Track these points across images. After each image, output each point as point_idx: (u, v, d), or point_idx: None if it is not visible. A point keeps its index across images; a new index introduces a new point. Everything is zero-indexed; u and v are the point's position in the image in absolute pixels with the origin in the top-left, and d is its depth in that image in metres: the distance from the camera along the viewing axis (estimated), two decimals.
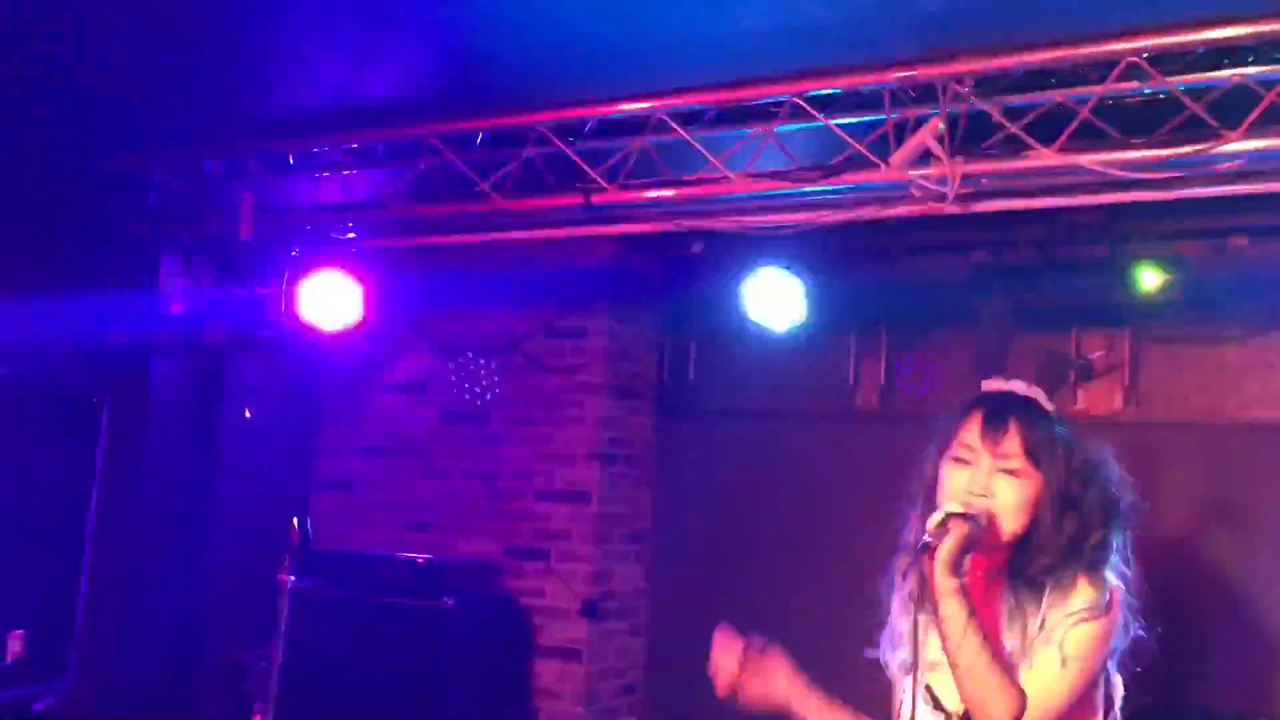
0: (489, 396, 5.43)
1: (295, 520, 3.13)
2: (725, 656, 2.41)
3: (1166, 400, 4.75)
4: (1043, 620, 2.20)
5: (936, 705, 2.27)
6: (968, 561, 2.19)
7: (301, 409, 5.77)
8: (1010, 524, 2.22)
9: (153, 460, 4.77)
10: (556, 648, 5.32)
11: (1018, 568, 2.26)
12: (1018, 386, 2.34)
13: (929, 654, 2.29)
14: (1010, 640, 2.22)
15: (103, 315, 4.37)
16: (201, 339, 4.41)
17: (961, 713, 2.25)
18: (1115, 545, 2.27)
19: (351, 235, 4.45)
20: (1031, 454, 2.22)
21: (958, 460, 2.25)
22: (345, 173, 4.25)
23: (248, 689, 3.76)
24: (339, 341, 5.01)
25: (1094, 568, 2.23)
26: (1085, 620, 2.18)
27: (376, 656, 4.94)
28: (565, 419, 5.47)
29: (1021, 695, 2.13)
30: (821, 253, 4.90)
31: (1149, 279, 4.44)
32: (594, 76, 3.74)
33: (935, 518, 2.13)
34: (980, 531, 2.15)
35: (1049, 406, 2.33)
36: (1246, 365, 4.61)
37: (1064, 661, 2.16)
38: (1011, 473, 2.22)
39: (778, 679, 2.41)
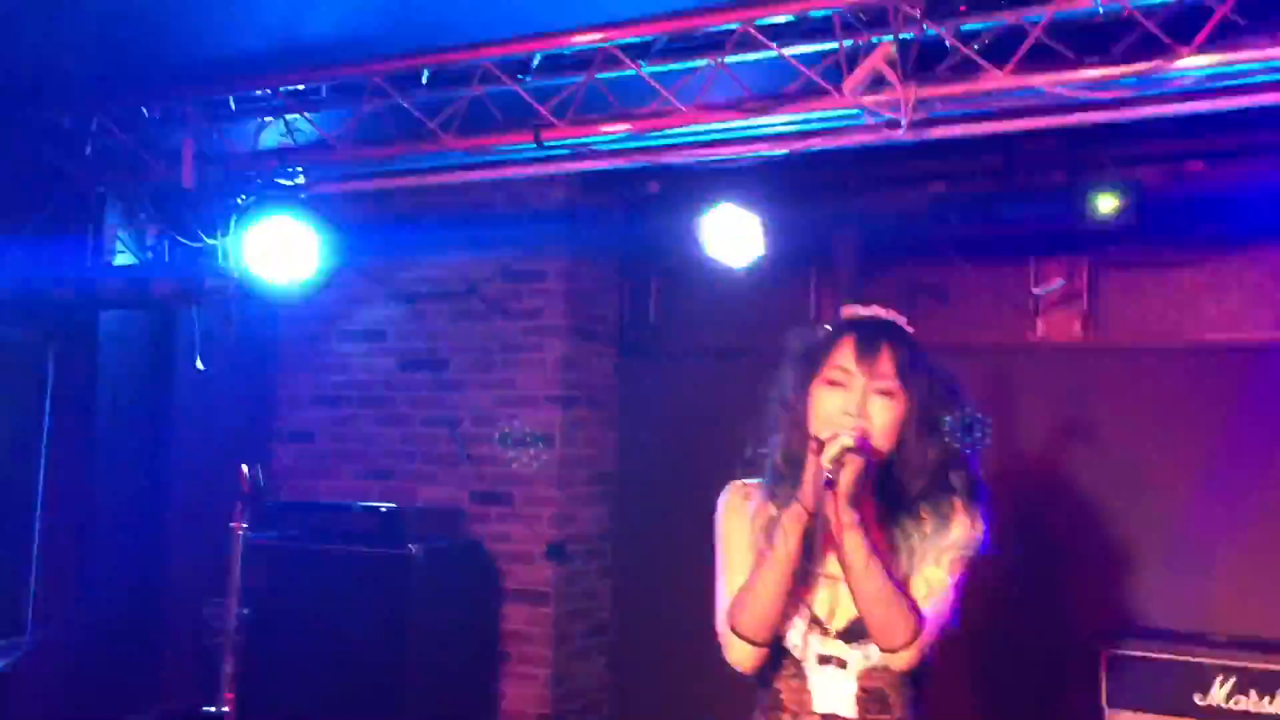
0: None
1: (245, 468, 3.08)
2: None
3: (1125, 326, 4.77)
4: (926, 546, 2.26)
5: (813, 621, 2.28)
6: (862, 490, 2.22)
7: (257, 359, 5.69)
8: (881, 445, 2.25)
9: (104, 414, 4.70)
10: (524, 591, 5.31)
11: (892, 491, 2.30)
12: (879, 311, 2.37)
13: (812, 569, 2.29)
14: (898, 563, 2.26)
15: (46, 268, 4.27)
16: (149, 290, 4.32)
17: (842, 628, 2.28)
18: (979, 473, 2.32)
19: (299, 181, 4.36)
20: (902, 375, 2.25)
21: (832, 383, 2.25)
22: (288, 116, 4.15)
23: (211, 642, 3.72)
24: (292, 291, 4.95)
25: (971, 501, 2.29)
26: (965, 556, 2.27)
27: (343, 606, 4.91)
28: (525, 362, 5.42)
29: (920, 616, 2.18)
30: (779, 188, 4.85)
31: (1106, 205, 4.42)
32: (540, 10, 3.66)
33: (830, 452, 2.11)
34: (871, 462, 2.18)
35: (909, 330, 2.36)
36: (1203, 288, 4.62)
37: (954, 586, 2.25)
38: (885, 393, 2.24)
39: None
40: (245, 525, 3.16)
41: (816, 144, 3.64)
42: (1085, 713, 4.12)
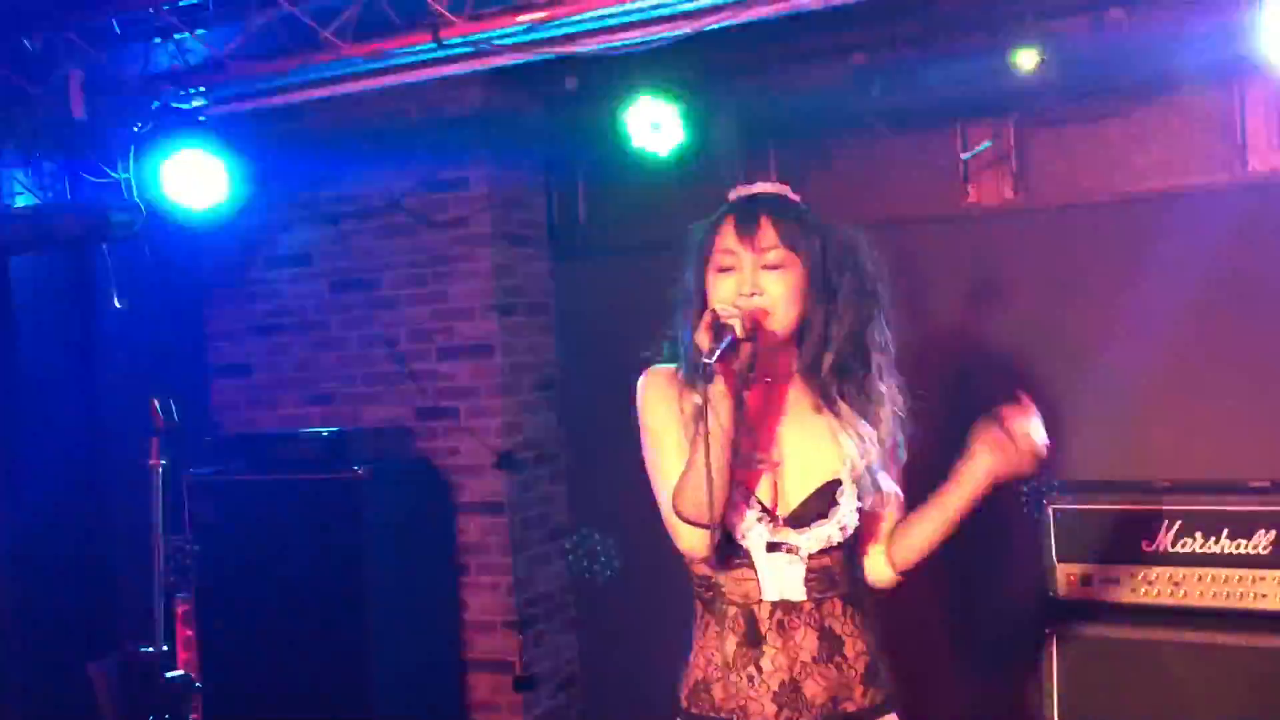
0: None
1: (155, 402, 2.99)
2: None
3: (1055, 184, 4.73)
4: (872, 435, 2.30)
5: (762, 510, 2.28)
6: (753, 370, 2.25)
7: (183, 293, 5.55)
8: (785, 316, 2.24)
9: (26, 363, 4.57)
10: (477, 503, 5.29)
11: (811, 371, 2.30)
12: (764, 186, 2.36)
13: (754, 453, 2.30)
14: (846, 445, 2.28)
15: None
16: (52, 231, 4.17)
17: (789, 515, 2.27)
18: (884, 345, 2.32)
19: (197, 104, 4.19)
20: (788, 242, 2.23)
21: (722, 269, 2.25)
22: (177, 36, 3.97)
23: (167, 579, 3.66)
24: (212, 221, 4.82)
25: (885, 375, 2.32)
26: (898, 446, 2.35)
27: (294, 535, 4.87)
28: (457, 274, 5.32)
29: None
30: (699, 73, 4.75)
31: (1027, 61, 4.35)
32: None
33: (702, 337, 2.12)
34: (761, 345, 2.18)
35: (795, 198, 2.34)
36: (1130, 139, 4.58)
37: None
38: (774, 265, 2.23)
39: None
40: (163, 462, 3.09)
41: (725, 19, 3.53)
42: (1036, 568, 4.18)
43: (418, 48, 3.74)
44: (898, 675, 2.39)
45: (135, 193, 4.26)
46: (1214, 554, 3.92)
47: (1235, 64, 4.27)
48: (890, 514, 2.37)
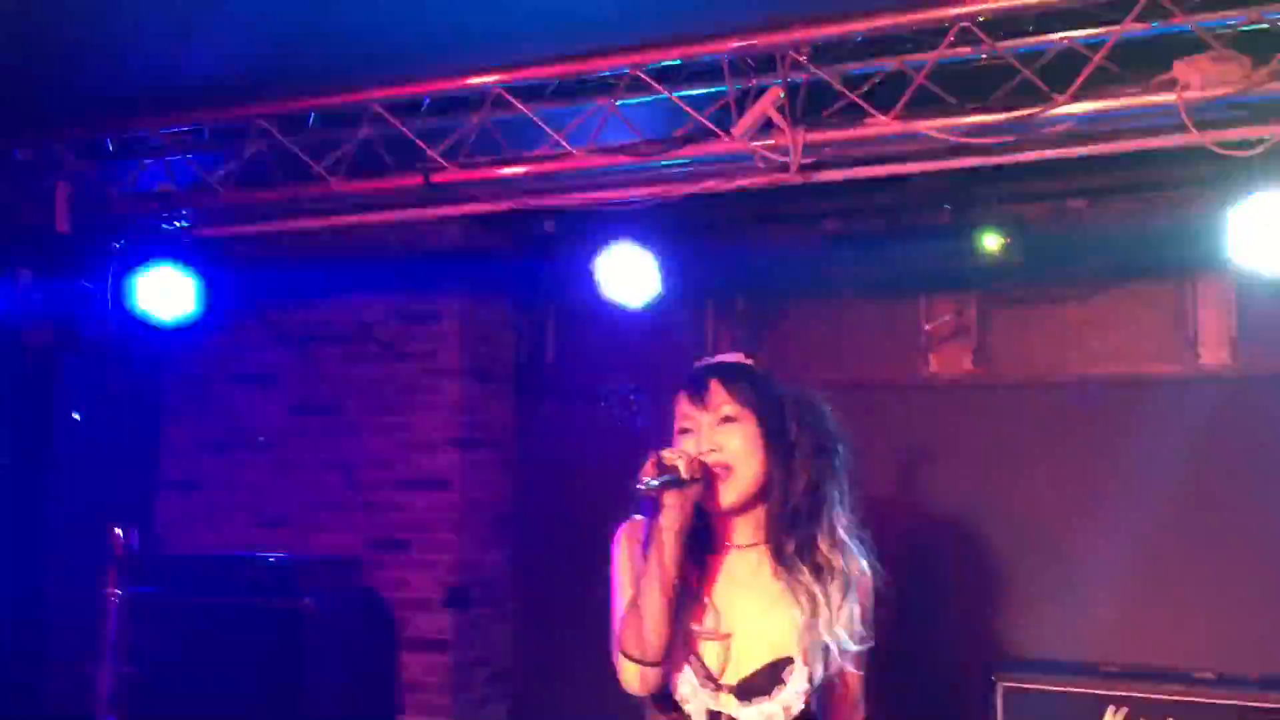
0: None
1: (118, 530, 2.94)
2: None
3: (1013, 360, 4.85)
4: (834, 607, 2.30)
5: (705, 676, 2.28)
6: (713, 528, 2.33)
7: (141, 407, 5.50)
8: (745, 469, 2.30)
9: None
10: (421, 639, 5.20)
11: (771, 532, 2.34)
12: (718, 357, 2.46)
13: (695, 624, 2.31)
14: (798, 613, 2.29)
15: None
16: (22, 339, 4.14)
17: (734, 684, 2.27)
18: (843, 502, 2.36)
19: (182, 224, 4.23)
20: (739, 399, 2.33)
21: (683, 432, 2.34)
22: (168, 159, 4.03)
23: (96, 701, 3.56)
24: (178, 336, 4.80)
25: (833, 535, 2.34)
26: (854, 604, 2.32)
27: (233, 661, 4.74)
28: (422, 405, 5.33)
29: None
30: (675, 226, 4.86)
31: (992, 243, 4.50)
32: (428, 51, 3.62)
33: (646, 473, 2.17)
34: (700, 485, 2.22)
35: (749, 362, 2.44)
36: (1087, 323, 4.73)
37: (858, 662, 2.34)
38: (727, 419, 2.32)
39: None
40: (119, 591, 3.02)
41: (709, 187, 3.65)
42: None
43: (408, 189, 3.81)
44: None
45: (110, 306, 4.26)
46: None
47: (1190, 260, 4.47)
48: (851, 695, 2.36)
